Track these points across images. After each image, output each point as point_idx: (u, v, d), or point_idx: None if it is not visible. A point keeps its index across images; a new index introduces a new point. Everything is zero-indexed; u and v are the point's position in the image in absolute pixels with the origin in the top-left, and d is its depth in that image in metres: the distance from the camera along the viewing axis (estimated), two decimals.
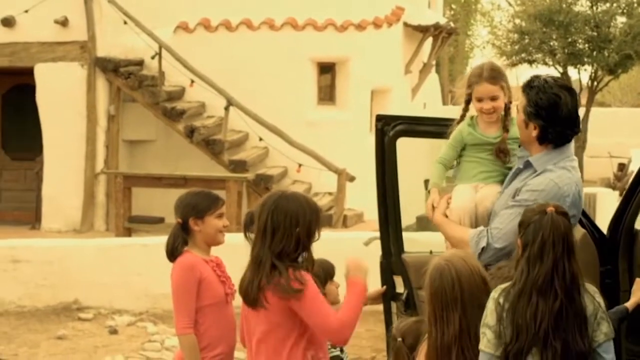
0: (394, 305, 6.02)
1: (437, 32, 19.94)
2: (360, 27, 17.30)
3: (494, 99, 4.89)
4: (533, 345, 3.72)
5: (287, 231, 4.35)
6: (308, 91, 17.16)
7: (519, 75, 25.99)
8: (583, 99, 24.05)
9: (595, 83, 24.12)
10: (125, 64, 16.45)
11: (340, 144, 16.17)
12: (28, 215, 17.02)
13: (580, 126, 4.80)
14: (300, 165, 15.52)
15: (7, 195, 18.08)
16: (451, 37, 22.28)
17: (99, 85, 16.40)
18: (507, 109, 4.85)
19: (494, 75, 4.92)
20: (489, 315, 3.83)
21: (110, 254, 10.94)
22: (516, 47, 23.73)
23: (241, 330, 4.67)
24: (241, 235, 4.56)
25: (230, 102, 15.70)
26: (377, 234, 6.26)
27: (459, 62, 40.95)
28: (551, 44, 22.99)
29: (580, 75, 24.17)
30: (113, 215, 16.00)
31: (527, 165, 4.66)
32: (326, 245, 4.79)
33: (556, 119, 4.53)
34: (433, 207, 5.00)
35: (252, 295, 4.38)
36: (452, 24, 22.60)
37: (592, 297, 3.86)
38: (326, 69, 17.50)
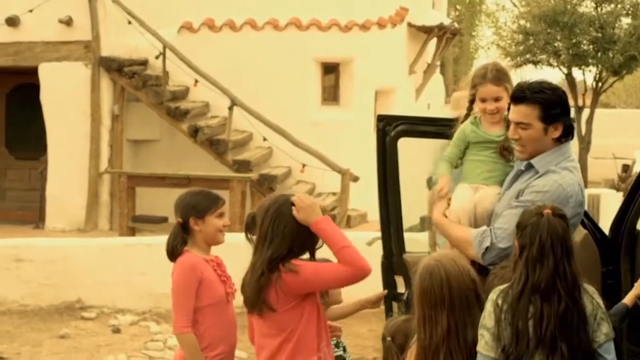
0: (395, 305, 6.02)
1: (441, 32, 19.93)
2: (364, 27, 17.30)
3: (497, 99, 4.91)
4: (537, 348, 3.71)
5: (286, 238, 4.35)
6: (312, 91, 17.16)
7: (523, 76, 25.92)
8: (587, 100, 24.03)
9: (600, 84, 24.05)
10: (129, 64, 16.45)
11: (344, 144, 16.17)
12: (32, 215, 17.02)
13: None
14: (304, 165, 15.51)
15: (11, 194, 18.09)
16: (455, 37, 22.26)
17: (103, 84, 16.40)
18: (510, 109, 4.84)
19: (498, 77, 4.93)
20: (487, 317, 3.82)
21: (114, 254, 10.95)
22: (521, 48, 23.66)
23: (249, 329, 4.67)
24: (242, 234, 4.57)
25: (234, 102, 15.70)
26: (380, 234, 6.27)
27: (463, 63, 40.90)
28: (556, 45, 22.92)
29: (584, 77, 24.07)
30: (117, 214, 16.00)
31: (529, 166, 4.67)
32: None
33: (569, 109, 4.64)
34: (444, 194, 4.96)
35: (252, 300, 4.39)
36: (456, 25, 22.59)
37: (592, 297, 3.86)
38: (330, 69, 17.51)
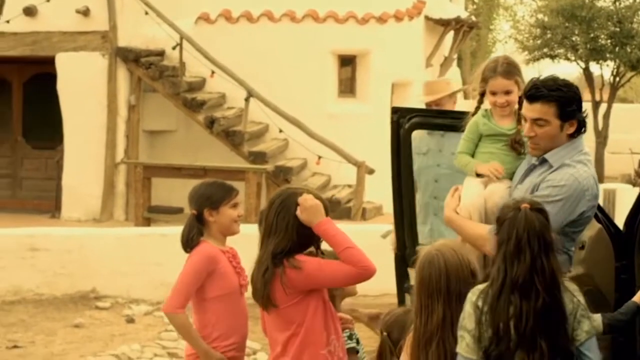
0: (407, 297, 6.02)
1: (458, 26, 19.88)
2: (381, 20, 17.27)
3: (508, 93, 4.89)
4: (518, 346, 3.66)
5: (290, 231, 4.34)
6: (328, 83, 17.15)
7: (541, 70, 25.88)
8: (605, 95, 23.95)
9: (617, 79, 23.97)
10: (146, 54, 16.48)
11: (360, 137, 16.14)
12: (48, 204, 17.08)
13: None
14: (319, 157, 15.51)
15: (28, 183, 18.17)
16: (472, 31, 22.20)
17: (119, 75, 16.44)
18: (520, 102, 4.82)
19: (509, 70, 4.91)
20: (467, 318, 3.75)
21: (129, 244, 10.99)
22: (538, 42, 23.60)
23: (262, 320, 4.66)
24: (256, 226, 4.57)
25: (250, 94, 15.71)
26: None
27: (481, 57, 40.74)
28: (573, 39, 22.86)
29: (602, 71, 24.00)
30: (132, 205, 16.05)
31: (543, 161, 4.65)
32: None
33: (582, 105, 4.64)
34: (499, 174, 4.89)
35: (259, 294, 4.40)
36: (473, 18, 22.51)
37: (572, 295, 3.79)
38: (347, 62, 17.49)
